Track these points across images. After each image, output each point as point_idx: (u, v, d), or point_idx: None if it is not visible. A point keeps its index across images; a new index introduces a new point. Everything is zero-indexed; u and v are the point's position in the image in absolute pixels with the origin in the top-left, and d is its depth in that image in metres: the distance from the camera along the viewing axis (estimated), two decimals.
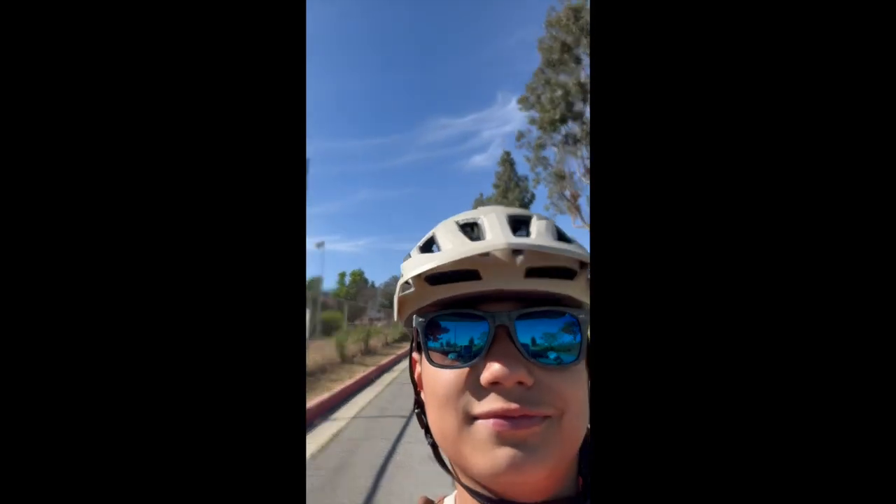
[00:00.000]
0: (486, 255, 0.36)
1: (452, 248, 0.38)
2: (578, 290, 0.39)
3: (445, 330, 0.38)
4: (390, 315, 19.83)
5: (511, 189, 28.18)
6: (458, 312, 0.37)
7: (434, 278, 0.38)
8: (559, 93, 15.59)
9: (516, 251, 0.36)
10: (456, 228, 0.40)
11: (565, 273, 0.38)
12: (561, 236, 0.40)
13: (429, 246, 0.41)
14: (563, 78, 15.73)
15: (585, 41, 14.73)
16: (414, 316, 0.40)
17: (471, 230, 0.40)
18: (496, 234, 0.38)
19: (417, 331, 0.39)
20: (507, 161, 28.99)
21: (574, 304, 0.39)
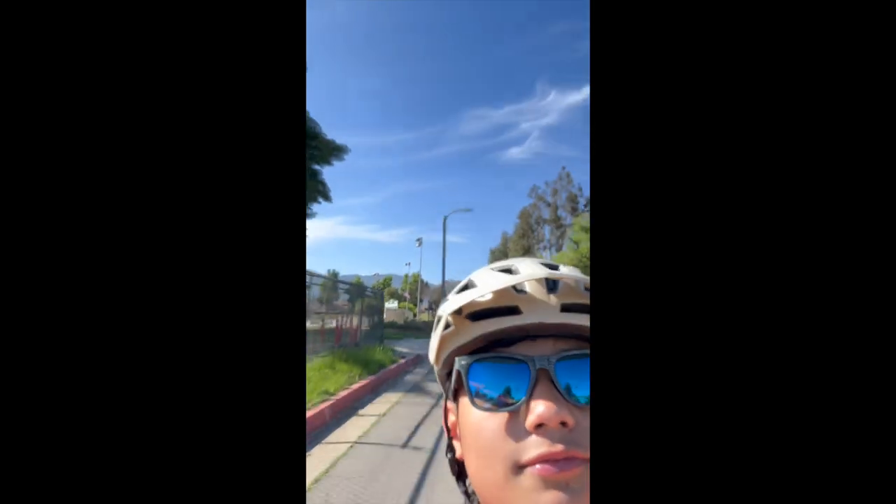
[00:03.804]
0: (524, 291, 0.39)
1: (492, 282, 0.40)
2: None
3: (486, 374, 0.38)
4: (436, 307, 36.86)
5: None
6: (499, 356, 0.39)
7: (475, 315, 0.40)
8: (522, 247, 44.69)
9: (551, 289, 0.40)
10: (491, 271, 0.43)
11: None
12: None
13: (465, 290, 0.43)
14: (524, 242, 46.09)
15: (537, 224, 44.39)
16: (456, 359, 0.41)
17: (506, 273, 0.42)
18: (533, 272, 0.40)
19: (459, 374, 0.40)
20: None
21: None
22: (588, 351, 0.38)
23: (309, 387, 5.06)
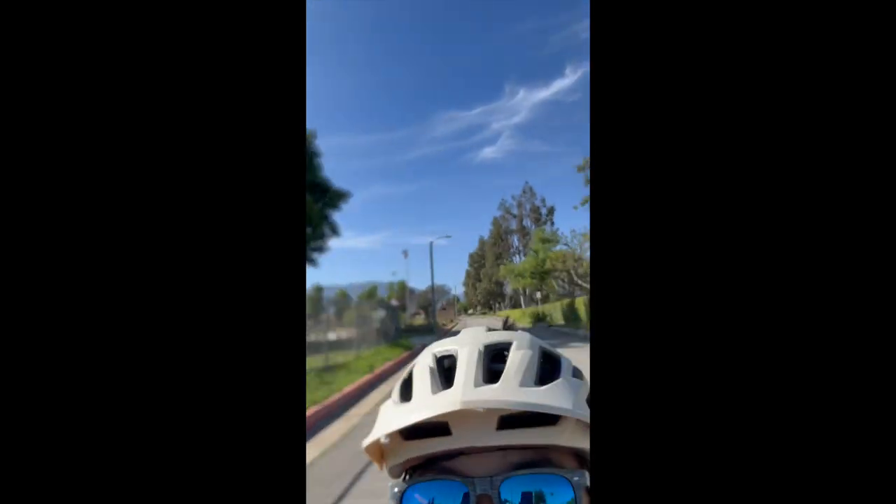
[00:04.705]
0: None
1: (419, 399, 0.34)
2: (566, 436, 0.33)
3: (421, 498, 0.33)
4: (423, 312, 43.06)
5: None
6: (435, 477, 0.33)
7: (407, 433, 0.34)
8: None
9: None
10: (429, 368, 0.36)
11: (545, 419, 0.32)
12: (544, 373, 0.35)
13: (408, 385, 0.37)
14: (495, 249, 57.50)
15: (506, 234, 54.69)
16: (389, 484, 0.35)
17: (445, 365, 0.36)
18: (458, 384, 0.33)
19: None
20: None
21: (564, 452, 0.34)
22: (537, 471, 0.32)
23: (388, 354, 12.29)
